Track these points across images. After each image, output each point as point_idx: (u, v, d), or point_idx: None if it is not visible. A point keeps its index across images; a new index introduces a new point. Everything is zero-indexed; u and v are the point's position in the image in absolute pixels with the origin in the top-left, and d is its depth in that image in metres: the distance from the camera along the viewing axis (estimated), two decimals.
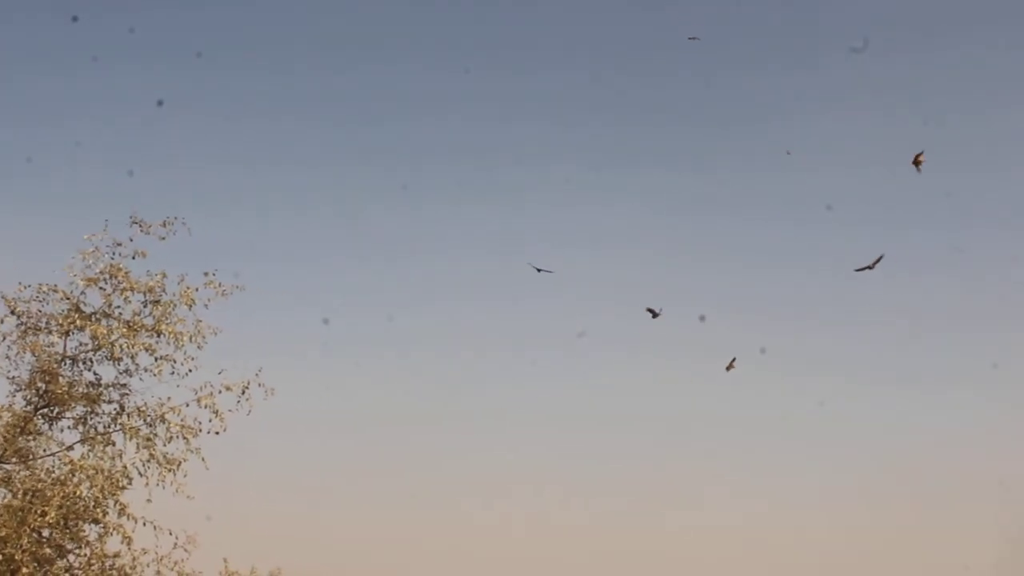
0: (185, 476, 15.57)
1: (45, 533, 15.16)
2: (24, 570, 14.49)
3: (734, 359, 19.72)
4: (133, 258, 15.95)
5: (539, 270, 21.06)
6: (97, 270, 15.75)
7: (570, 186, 45.94)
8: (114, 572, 15.66)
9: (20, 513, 14.65)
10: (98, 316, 15.75)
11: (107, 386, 15.95)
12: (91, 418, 15.87)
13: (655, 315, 19.20)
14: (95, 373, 15.97)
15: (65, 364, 15.79)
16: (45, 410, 15.76)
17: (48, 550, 15.21)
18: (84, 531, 15.41)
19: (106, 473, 15.25)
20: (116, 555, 15.59)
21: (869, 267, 16.51)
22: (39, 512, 14.62)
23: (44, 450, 15.84)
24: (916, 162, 16.80)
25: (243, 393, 15.85)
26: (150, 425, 15.70)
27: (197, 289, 16.07)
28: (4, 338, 15.64)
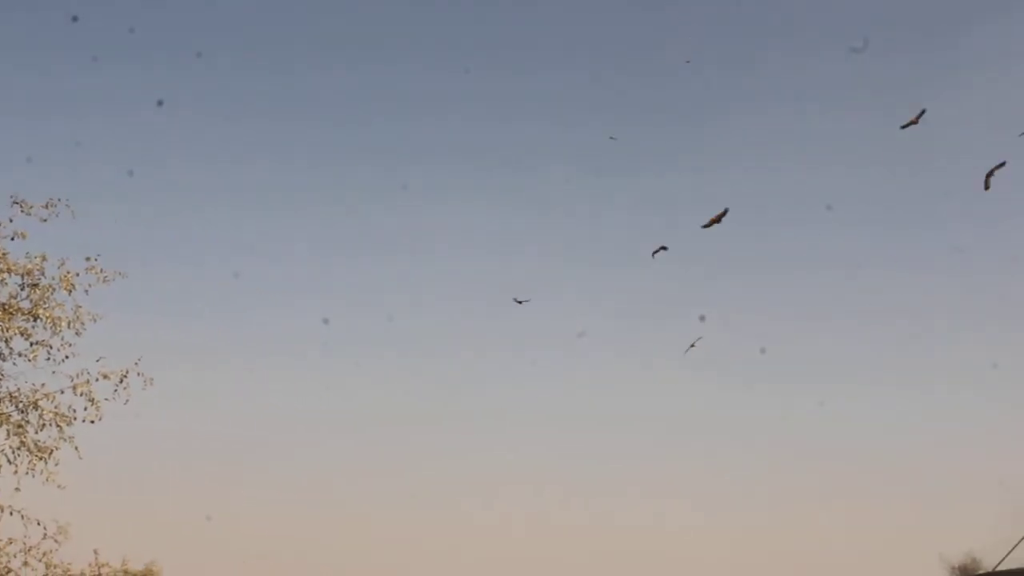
0: (57, 464, 15.20)
1: None
2: None
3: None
4: (12, 239, 15.54)
5: (520, 302, 21.09)
6: None
7: (570, 186, 45.85)
8: None
9: None
10: None
11: None
12: None
13: (661, 250, 18.81)
14: None
15: None
16: None
17: None
18: None
19: None
20: None
21: (716, 220, 16.34)
22: None
23: None
24: (989, 176, 16.01)
25: (121, 382, 15.56)
26: (22, 412, 15.30)
27: (78, 274, 15.74)
28: None
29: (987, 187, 16.19)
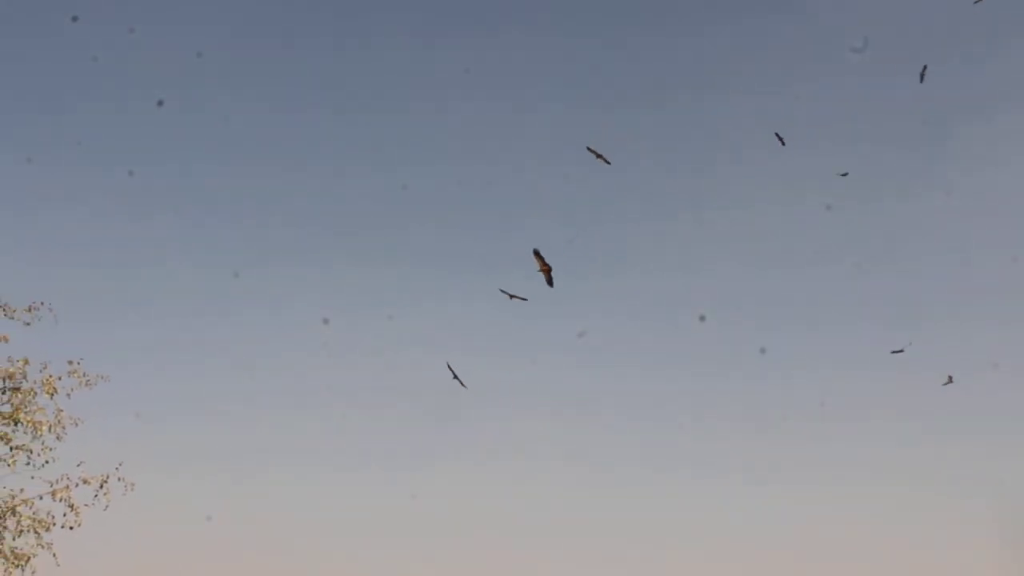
0: (34, 572, 15.21)
1: None
2: None
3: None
4: None
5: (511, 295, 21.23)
6: None
7: (571, 185, 45.38)
8: None
9: None
10: None
11: None
12: None
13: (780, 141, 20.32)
14: None
15: None
16: None
17: None
18: None
19: None
20: None
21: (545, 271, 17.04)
22: None
23: None
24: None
25: (101, 487, 15.58)
26: (0, 518, 15.27)
27: (60, 378, 15.74)
28: None
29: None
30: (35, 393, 15.58)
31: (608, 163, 19.56)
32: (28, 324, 15.69)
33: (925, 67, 20.23)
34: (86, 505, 15.53)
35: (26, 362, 15.61)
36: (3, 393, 15.48)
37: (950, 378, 21.75)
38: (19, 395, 15.50)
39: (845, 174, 23.39)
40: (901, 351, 18.46)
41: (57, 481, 15.50)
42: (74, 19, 42.87)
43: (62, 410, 15.68)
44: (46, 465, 15.55)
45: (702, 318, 34.07)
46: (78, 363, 15.81)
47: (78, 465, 15.64)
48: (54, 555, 15.39)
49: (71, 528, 15.44)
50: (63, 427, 15.66)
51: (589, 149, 19.74)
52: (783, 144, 21.13)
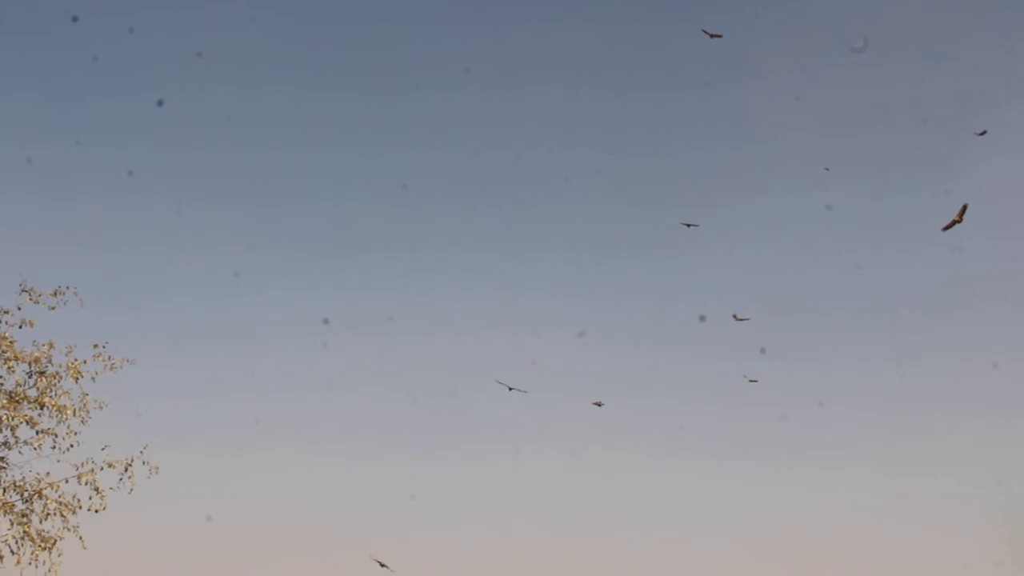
0: (60, 555, 15.26)
1: None
2: None
3: None
4: (20, 327, 15.60)
5: (510, 388, 21.25)
6: None
7: (571, 185, 45.60)
8: None
9: None
10: None
11: None
12: None
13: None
14: None
15: None
16: None
17: None
18: None
19: None
20: None
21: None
22: None
23: None
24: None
25: (126, 471, 15.65)
26: (26, 501, 15.32)
27: (85, 361, 15.83)
28: None
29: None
30: (60, 377, 15.65)
31: (697, 225, 20.19)
32: (53, 308, 15.79)
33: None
34: (111, 488, 15.60)
35: (51, 346, 15.71)
36: (30, 377, 15.57)
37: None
38: (44, 379, 15.57)
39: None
40: (958, 222, 17.74)
41: (82, 464, 15.56)
42: (74, 19, 43.11)
43: (87, 394, 15.77)
44: (71, 449, 15.63)
45: (702, 318, 34.28)
46: (103, 346, 15.93)
47: (103, 449, 15.74)
48: (80, 538, 15.46)
49: (96, 511, 15.51)
50: (88, 411, 15.75)
51: (682, 224, 20.38)
52: (711, 37, 20.99)
